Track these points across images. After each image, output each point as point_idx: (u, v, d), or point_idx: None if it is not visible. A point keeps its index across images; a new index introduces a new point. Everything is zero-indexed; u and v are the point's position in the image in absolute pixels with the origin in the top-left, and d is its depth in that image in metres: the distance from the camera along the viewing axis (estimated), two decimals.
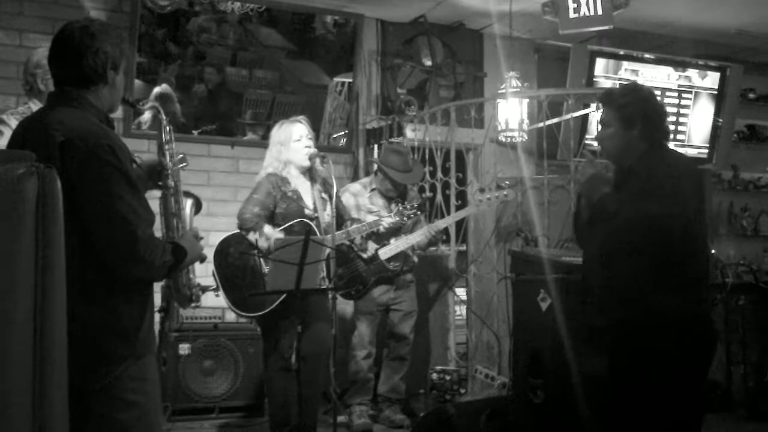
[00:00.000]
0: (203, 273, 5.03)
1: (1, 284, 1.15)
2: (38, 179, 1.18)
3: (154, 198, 2.55)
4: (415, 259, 5.35)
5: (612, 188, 3.25)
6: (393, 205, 5.04)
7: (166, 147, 2.59)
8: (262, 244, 4.26)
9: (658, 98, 3.38)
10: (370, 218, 4.99)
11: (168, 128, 2.60)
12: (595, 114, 5.89)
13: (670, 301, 3.08)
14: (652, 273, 3.05)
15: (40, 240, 1.18)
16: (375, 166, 5.38)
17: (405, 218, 4.90)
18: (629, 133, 3.17)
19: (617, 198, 3.16)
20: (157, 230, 2.48)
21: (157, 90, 2.76)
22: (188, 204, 2.72)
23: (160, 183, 2.58)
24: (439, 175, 5.90)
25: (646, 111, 3.18)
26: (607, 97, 3.31)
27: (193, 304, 2.67)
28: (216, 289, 4.89)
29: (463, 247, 6.25)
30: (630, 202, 3.08)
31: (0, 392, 1.15)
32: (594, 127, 6.19)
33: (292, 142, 4.44)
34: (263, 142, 5.99)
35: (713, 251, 6.52)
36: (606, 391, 3.40)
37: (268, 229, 4.31)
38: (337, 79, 6.51)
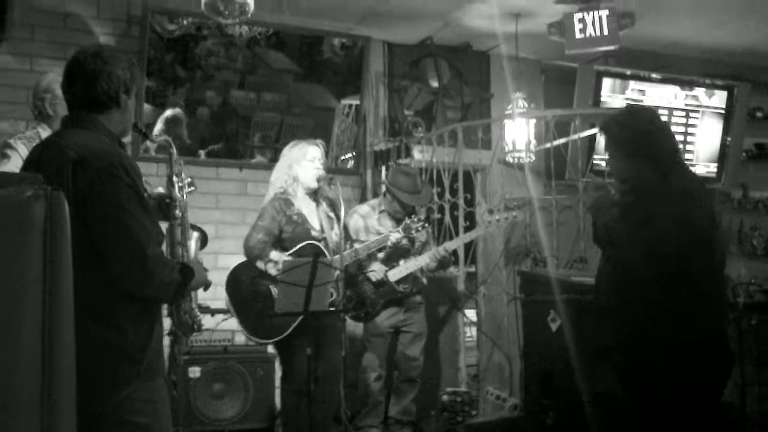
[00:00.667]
0: (212, 296, 5.09)
1: (8, 306, 1.15)
2: (46, 202, 1.18)
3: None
4: (424, 280, 5.34)
5: (619, 214, 3.22)
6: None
7: (176, 179, 2.62)
8: (271, 270, 4.27)
9: (662, 118, 3.33)
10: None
11: (178, 160, 2.64)
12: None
13: (683, 324, 3.04)
14: (664, 298, 3.02)
15: (48, 262, 1.19)
16: (383, 188, 5.38)
17: (413, 232, 4.87)
18: (632, 161, 3.13)
19: (623, 226, 3.13)
20: None
21: (168, 113, 2.81)
22: (194, 237, 2.76)
23: (168, 215, 2.61)
24: (447, 196, 5.89)
25: (645, 139, 3.12)
26: (606, 127, 3.26)
27: (194, 333, 2.69)
28: (228, 314, 4.92)
29: (473, 269, 6.23)
30: (634, 232, 3.05)
31: (8, 409, 1.14)
32: (601, 147, 6.19)
33: (305, 161, 4.46)
34: (272, 165, 5.99)
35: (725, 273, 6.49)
36: (618, 413, 3.38)
37: (274, 254, 4.32)
38: (344, 102, 6.54)
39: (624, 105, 6.48)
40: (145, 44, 5.66)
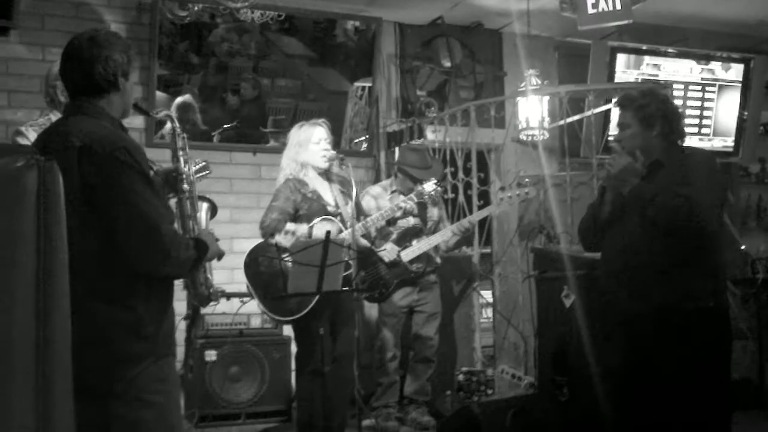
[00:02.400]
0: (228, 280, 5.12)
1: (1, 277, 1.16)
2: (39, 172, 1.19)
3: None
4: (438, 260, 5.33)
5: (629, 189, 3.30)
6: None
7: (180, 153, 2.63)
8: (289, 240, 4.27)
9: (680, 93, 3.55)
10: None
11: (181, 135, 2.65)
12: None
13: (699, 288, 3.17)
14: (688, 259, 3.15)
15: (42, 233, 1.19)
16: (395, 168, 5.36)
17: (425, 196, 4.81)
18: (648, 133, 3.31)
19: (650, 187, 3.21)
20: None
21: (179, 100, 2.82)
22: (204, 208, 2.77)
23: (176, 189, 2.62)
24: (461, 175, 5.87)
25: (664, 112, 3.34)
26: (627, 100, 3.44)
27: (212, 303, 2.70)
28: (246, 298, 4.94)
29: (488, 250, 6.21)
30: (666, 190, 3.17)
31: (2, 386, 1.15)
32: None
33: (311, 144, 4.45)
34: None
35: (743, 247, 6.43)
36: (631, 387, 3.39)
37: (290, 225, 4.33)
38: (357, 84, 6.53)
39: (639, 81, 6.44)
40: (155, 31, 5.66)
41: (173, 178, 2.63)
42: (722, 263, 3.36)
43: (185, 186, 2.60)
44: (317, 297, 4.11)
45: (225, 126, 6.05)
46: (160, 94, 5.74)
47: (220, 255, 2.61)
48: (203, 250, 2.43)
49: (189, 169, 2.63)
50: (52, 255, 1.21)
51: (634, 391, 3.39)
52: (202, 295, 2.63)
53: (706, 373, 3.18)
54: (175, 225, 2.54)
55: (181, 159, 2.62)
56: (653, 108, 3.32)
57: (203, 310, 5.36)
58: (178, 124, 2.65)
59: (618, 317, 3.44)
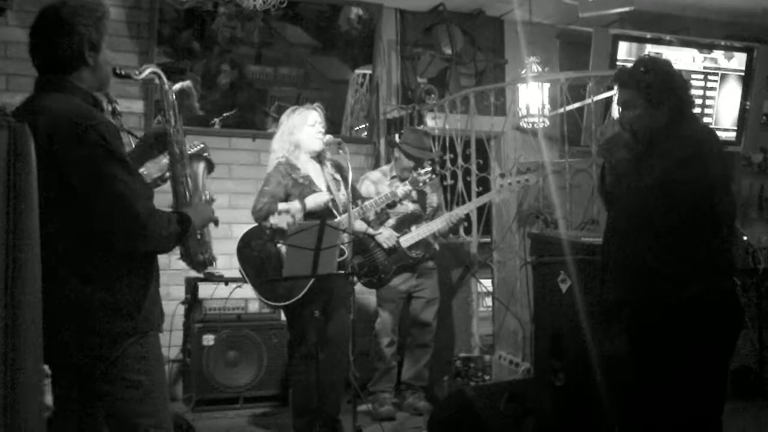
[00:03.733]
0: (227, 266, 5.12)
1: None
2: (9, 133, 1.18)
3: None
4: (437, 246, 5.33)
5: (634, 160, 3.17)
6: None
7: (170, 113, 2.55)
8: (284, 221, 4.27)
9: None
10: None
11: (170, 94, 2.56)
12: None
13: (692, 273, 3.01)
14: (674, 244, 2.99)
15: (11, 195, 1.19)
16: (395, 152, 5.35)
17: (420, 184, 4.80)
18: (656, 110, 3.07)
19: (638, 168, 3.09)
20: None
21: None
22: (201, 167, 2.68)
23: (167, 151, 2.56)
24: (460, 162, 5.85)
25: (670, 84, 3.08)
26: (628, 77, 3.17)
27: (209, 268, 2.64)
28: (241, 282, 4.94)
29: (488, 239, 6.20)
30: (652, 172, 3.01)
31: None
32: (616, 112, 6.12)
33: (307, 126, 4.42)
34: None
35: (745, 237, 6.40)
36: (627, 371, 3.35)
37: (282, 204, 4.31)
38: (358, 71, 6.52)
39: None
40: (154, 16, 5.66)
41: (163, 140, 2.57)
42: (727, 247, 3.12)
43: (175, 149, 2.54)
44: (310, 282, 4.10)
45: (225, 114, 6.04)
46: None
47: (215, 221, 2.57)
48: (186, 223, 2.37)
49: (179, 129, 2.55)
50: (23, 216, 1.21)
51: (629, 376, 3.36)
52: (198, 261, 2.57)
53: (703, 360, 3.11)
54: (161, 194, 2.51)
55: (171, 118, 2.55)
56: (658, 84, 3.06)
57: (201, 295, 5.38)
58: (166, 80, 2.57)
59: (614, 302, 3.40)
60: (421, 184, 4.81)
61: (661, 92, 3.05)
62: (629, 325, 3.30)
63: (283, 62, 6.25)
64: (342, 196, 4.38)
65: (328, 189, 4.41)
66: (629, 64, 3.43)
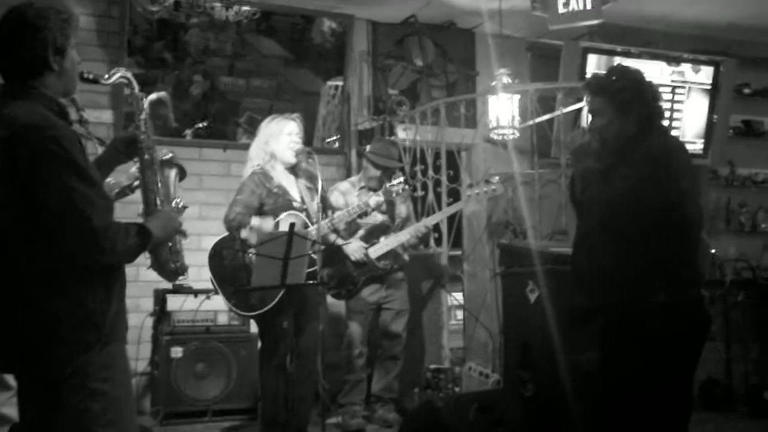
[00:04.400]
0: (196, 278, 5.08)
1: None
2: None
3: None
4: (406, 257, 5.33)
5: (602, 169, 3.19)
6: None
7: (141, 118, 2.51)
8: (253, 237, 4.25)
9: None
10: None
11: (140, 98, 2.53)
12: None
13: (659, 281, 3.03)
14: (640, 252, 3.01)
15: None
16: (363, 162, 5.35)
17: (393, 194, 4.79)
18: (626, 118, 3.07)
19: (606, 176, 3.10)
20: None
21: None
22: (172, 173, 2.65)
23: (136, 157, 2.53)
24: (431, 173, 5.86)
25: (640, 93, 3.10)
26: (598, 85, 3.18)
27: (180, 278, 2.59)
28: (210, 293, 4.91)
29: (458, 252, 6.21)
30: (620, 181, 3.03)
31: None
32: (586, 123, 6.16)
33: (283, 135, 4.42)
34: None
35: (714, 250, 6.47)
36: (595, 379, 3.36)
37: (255, 220, 4.31)
38: (330, 83, 6.53)
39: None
40: (124, 24, 5.63)
41: (133, 146, 2.52)
42: (693, 257, 3.14)
43: (145, 156, 2.50)
44: (282, 292, 4.08)
45: (198, 126, 6.02)
46: None
47: (180, 232, 2.53)
48: (146, 236, 2.32)
49: (149, 135, 2.51)
50: None
51: (597, 384, 3.37)
52: (168, 270, 2.54)
53: (670, 369, 3.13)
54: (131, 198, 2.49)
55: (141, 124, 2.51)
56: (628, 92, 3.07)
57: (170, 307, 5.33)
58: (136, 85, 2.53)
59: (583, 310, 3.40)
60: (394, 194, 4.80)
61: (631, 100, 3.06)
62: (597, 333, 3.31)
63: (255, 74, 6.26)
64: (315, 206, 4.37)
65: (302, 199, 4.40)
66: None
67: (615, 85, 3.10)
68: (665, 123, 3.31)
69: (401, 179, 4.83)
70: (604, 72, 3.30)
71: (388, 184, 4.81)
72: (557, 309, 3.96)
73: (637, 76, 3.17)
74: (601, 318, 3.22)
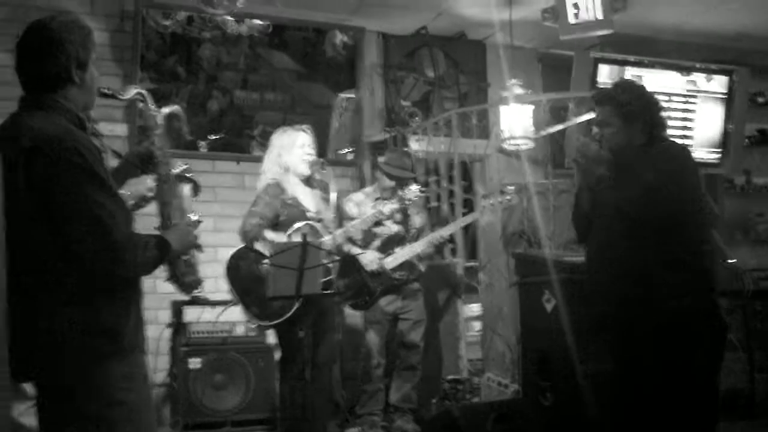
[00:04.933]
0: (213, 289, 5.10)
1: None
2: None
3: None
4: (422, 267, 5.33)
5: (611, 177, 3.25)
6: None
7: (156, 134, 2.55)
8: (267, 250, 4.27)
9: (663, 105, 3.45)
10: (376, 229, 5.00)
11: (156, 115, 2.56)
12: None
13: (672, 286, 3.08)
14: (653, 257, 3.09)
15: None
16: (377, 173, 5.37)
17: (407, 201, 4.77)
18: (631, 129, 3.26)
19: (616, 184, 3.19)
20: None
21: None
22: (186, 188, 2.67)
23: (151, 171, 2.56)
24: (444, 183, 5.87)
25: (644, 105, 3.29)
26: (604, 96, 3.38)
27: (196, 291, 2.61)
28: (228, 304, 4.93)
29: (474, 263, 6.20)
30: (629, 188, 3.12)
31: None
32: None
33: (296, 147, 4.46)
34: None
35: (733, 260, 6.43)
36: (613, 386, 3.36)
37: (270, 234, 4.33)
38: (342, 95, 6.56)
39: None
40: (138, 39, 5.69)
41: (148, 161, 2.55)
42: (706, 259, 3.23)
43: (161, 170, 2.53)
44: (299, 301, 4.10)
45: (212, 137, 6.07)
46: None
47: (197, 246, 2.55)
48: (165, 249, 2.34)
49: (164, 151, 2.54)
50: None
51: (617, 394, 3.36)
52: (185, 283, 2.56)
53: (691, 375, 3.13)
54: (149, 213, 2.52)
55: (156, 140, 2.54)
56: (633, 103, 3.27)
57: (187, 319, 5.34)
58: (150, 102, 2.56)
59: (600, 319, 3.42)
60: (407, 201, 4.79)
61: (636, 110, 3.25)
62: (614, 340, 3.32)
63: (269, 88, 6.31)
64: (330, 216, 4.39)
65: (317, 210, 4.41)
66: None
67: (620, 95, 3.30)
68: (676, 133, 3.50)
69: (416, 187, 4.83)
70: (611, 85, 3.47)
71: (401, 191, 4.81)
72: (574, 318, 3.95)
73: (640, 89, 3.40)
74: (614, 322, 3.26)
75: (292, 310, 4.16)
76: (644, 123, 3.27)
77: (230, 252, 4.47)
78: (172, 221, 2.54)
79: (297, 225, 4.31)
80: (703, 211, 3.26)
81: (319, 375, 4.30)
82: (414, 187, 4.78)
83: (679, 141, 6.75)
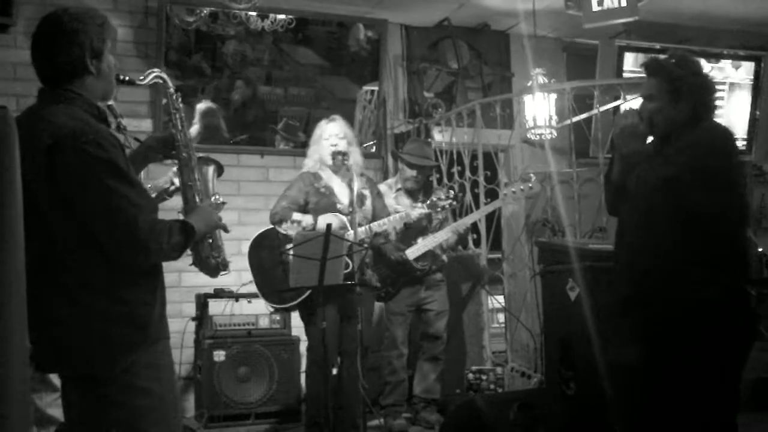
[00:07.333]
0: (236, 282, 5.14)
1: None
2: None
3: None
4: (445, 258, 5.31)
5: (647, 153, 3.13)
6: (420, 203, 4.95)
7: (177, 116, 2.53)
8: (294, 230, 4.41)
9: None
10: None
11: (175, 97, 2.53)
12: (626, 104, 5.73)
13: (704, 272, 2.95)
14: (685, 241, 2.94)
15: None
16: (398, 164, 5.38)
17: (438, 209, 4.76)
18: (676, 107, 3.00)
19: (651, 161, 3.05)
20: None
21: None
22: (210, 170, 2.66)
23: (173, 156, 2.55)
24: (468, 173, 5.85)
25: (697, 85, 3.01)
26: (657, 65, 3.08)
27: (222, 273, 2.59)
28: (253, 297, 5.00)
29: (497, 254, 6.18)
30: (666, 166, 2.97)
31: None
32: None
33: (323, 140, 4.65)
34: (293, 151, 6.09)
35: (760, 249, 6.34)
36: (637, 375, 3.31)
37: (297, 215, 4.50)
38: (366, 88, 6.56)
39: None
40: (162, 36, 5.72)
41: (170, 145, 2.55)
42: (740, 252, 3.07)
43: (183, 154, 2.52)
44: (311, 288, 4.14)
45: (237, 138, 6.10)
46: None
47: (221, 227, 2.53)
48: (190, 232, 2.33)
49: (185, 133, 2.54)
50: (5, 202, 1.21)
51: (640, 384, 3.31)
52: (210, 266, 2.54)
53: (714, 367, 3.06)
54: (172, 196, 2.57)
55: (178, 122, 2.53)
56: (685, 80, 2.97)
57: (211, 311, 5.38)
58: (172, 87, 2.54)
59: (623, 300, 3.34)
60: (439, 209, 4.78)
61: (687, 89, 2.98)
62: (640, 327, 3.25)
63: (293, 82, 6.33)
64: (366, 210, 4.56)
65: (351, 204, 4.42)
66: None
67: (675, 69, 3.02)
68: (714, 114, 3.24)
69: (450, 194, 4.79)
70: (668, 53, 3.23)
71: (435, 197, 4.76)
72: (598, 306, 3.91)
73: (697, 66, 3.08)
74: (641, 307, 3.17)
75: (306, 294, 4.24)
76: (694, 103, 2.98)
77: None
78: (196, 203, 2.52)
79: (325, 215, 4.42)
80: (739, 197, 3.06)
81: (344, 367, 4.33)
82: (448, 195, 4.74)
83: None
